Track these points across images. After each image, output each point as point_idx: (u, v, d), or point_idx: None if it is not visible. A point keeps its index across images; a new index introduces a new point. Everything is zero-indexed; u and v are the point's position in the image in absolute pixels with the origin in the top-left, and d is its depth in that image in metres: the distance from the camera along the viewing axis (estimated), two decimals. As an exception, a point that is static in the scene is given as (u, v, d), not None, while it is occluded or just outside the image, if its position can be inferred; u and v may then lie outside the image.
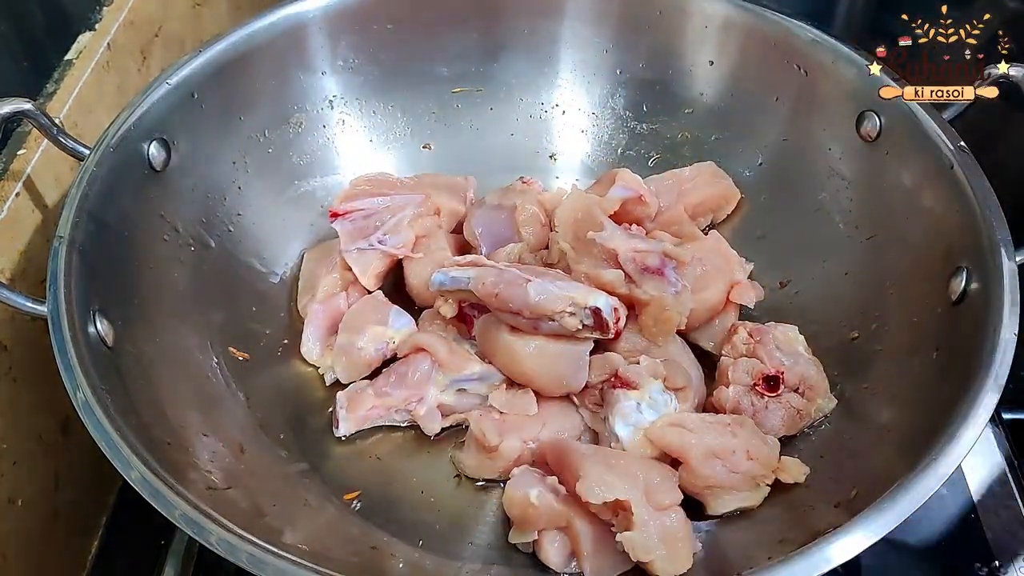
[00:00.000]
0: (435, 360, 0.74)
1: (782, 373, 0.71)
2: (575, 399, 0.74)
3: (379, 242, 0.82)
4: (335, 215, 0.82)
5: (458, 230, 0.87)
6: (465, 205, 0.88)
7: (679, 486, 0.65)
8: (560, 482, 0.65)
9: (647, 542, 0.60)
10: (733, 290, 0.79)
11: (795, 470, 0.67)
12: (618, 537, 0.60)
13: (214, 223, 0.82)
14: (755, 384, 0.71)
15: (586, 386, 0.73)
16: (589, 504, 0.61)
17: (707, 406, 0.74)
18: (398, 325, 0.79)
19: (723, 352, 0.76)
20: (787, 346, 0.73)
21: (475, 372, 0.74)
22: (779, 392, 0.71)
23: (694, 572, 0.64)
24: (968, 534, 0.75)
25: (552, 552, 0.65)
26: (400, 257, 0.82)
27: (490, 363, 0.75)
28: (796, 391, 0.71)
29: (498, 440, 0.70)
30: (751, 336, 0.74)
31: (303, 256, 0.87)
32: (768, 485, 0.67)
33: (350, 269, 0.82)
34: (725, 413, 0.71)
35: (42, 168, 0.72)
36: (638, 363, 0.71)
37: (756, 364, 0.72)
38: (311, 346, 0.80)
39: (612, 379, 0.71)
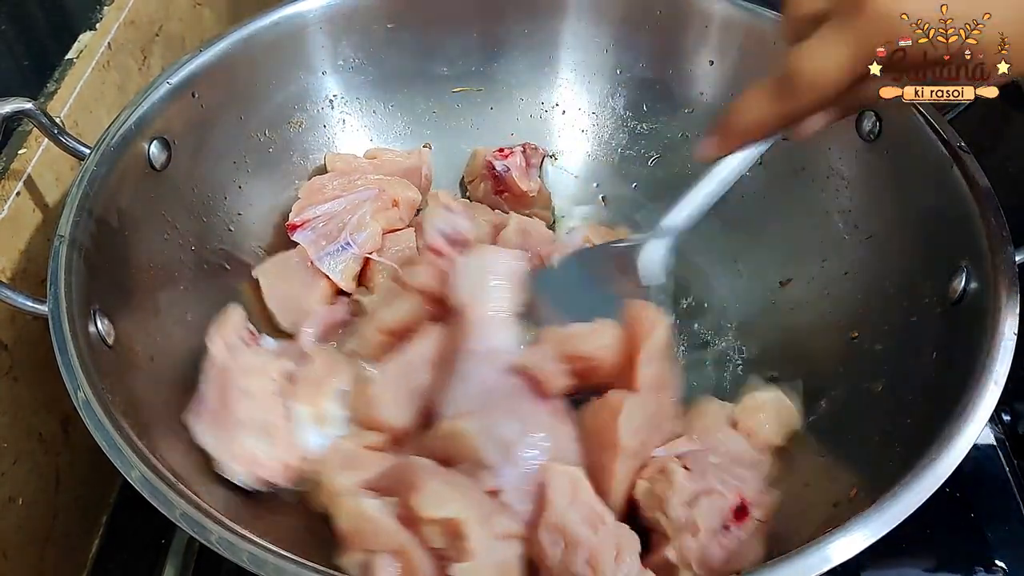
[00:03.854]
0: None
1: (743, 497, 0.60)
2: None
3: (347, 244, 0.81)
4: (294, 228, 0.82)
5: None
6: (420, 189, 0.87)
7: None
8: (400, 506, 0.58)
9: (480, 573, 0.54)
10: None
11: None
12: (450, 570, 0.54)
13: (215, 223, 0.82)
14: (725, 524, 0.59)
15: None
16: (422, 519, 0.55)
17: (657, 566, 0.59)
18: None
19: (669, 502, 0.60)
20: (724, 449, 0.63)
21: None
22: (748, 518, 0.60)
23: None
24: (968, 534, 0.75)
25: None
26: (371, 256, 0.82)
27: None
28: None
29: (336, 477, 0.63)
30: (688, 468, 0.61)
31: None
32: None
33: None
34: (690, 569, 0.58)
35: (43, 167, 0.72)
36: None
37: (717, 501, 0.60)
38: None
39: None
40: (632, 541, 0.58)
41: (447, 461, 0.62)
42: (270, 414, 0.66)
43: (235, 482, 0.65)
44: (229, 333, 0.71)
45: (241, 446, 0.64)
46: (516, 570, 0.57)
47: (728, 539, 0.59)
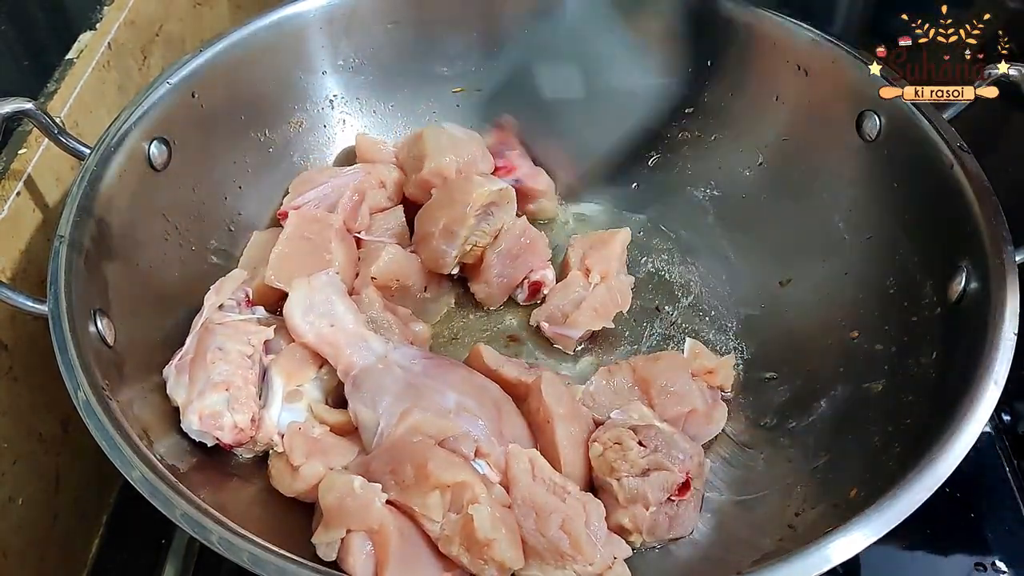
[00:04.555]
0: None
1: (688, 472, 0.65)
2: None
3: None
4: (284, 215, 0.82)
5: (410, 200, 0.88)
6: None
7: None
8: (384, 488, 0.61)
9: (494, 520, 0.58)
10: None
11: None
12: (469, 509, 0.58)
13: (215, 223, 0.82)
14: (670, 497, 0.65)
15: None
16: (438, 484, 0.59)
17: (611, 527, 0.65)
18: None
19: (621, 471, 0.65)
20: (668, 435, 0.67)
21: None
22: (689, 491, 0.65)
23: (698, 568, 0.65)
24: (968, 534, 0.75)
25: (359, 562, 0.58)
26: (363, 237, 0.84)
27: None
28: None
29: (302, 461, 0.65)
30: (643, 445, 0.66)
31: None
32: None
33: None
34: (640, 534, 0.65)
35: (43, 167, 0.72)
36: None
37: (666, 476, 0.65)
38: None
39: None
40: (598, 507, 0.63)
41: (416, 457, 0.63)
42: (237, 376, 0.68)
43: (191, 436, 0.66)
44: (225, 293, 0.72)
45: (204, 401, 0.66)
46: (515, 526, 0.60)
47: (672, 509, 0.65)
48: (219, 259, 0.81)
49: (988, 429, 0.81)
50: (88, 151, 0.70)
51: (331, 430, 0.69)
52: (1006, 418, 0.83)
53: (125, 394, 0.62)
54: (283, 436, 0.68)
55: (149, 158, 0.74)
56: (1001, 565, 0.73)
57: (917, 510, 0.52)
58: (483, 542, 0.57)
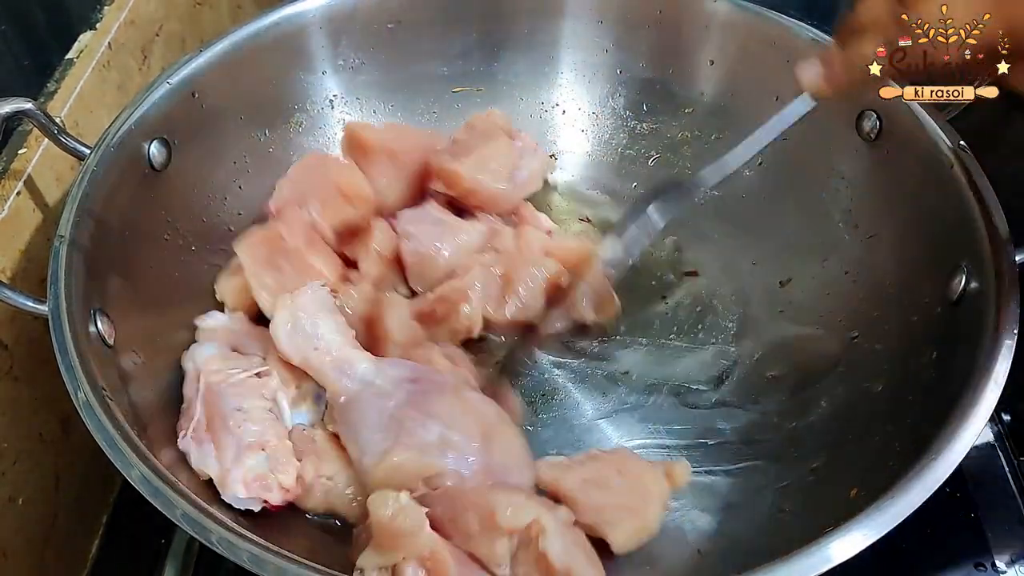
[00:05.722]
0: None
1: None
2: None
3: None
4: (274, 215, 0.78)
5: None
6: None
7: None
8: (445, 535, 0.59)
9: (567, 548, 0.57)
10: None
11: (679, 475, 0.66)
12: (541, 546, 0.57)
13: (215, 223, 0.82)
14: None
15: None
16: (509, 531, 0.58)
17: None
18: None
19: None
20: None
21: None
22: None
23: (696, 569, 0.65)
24: (968, 534, 0.75)
25: None
26: None
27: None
28: None
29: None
30: None
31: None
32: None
33: None
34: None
35: (43, 167, 0.72)
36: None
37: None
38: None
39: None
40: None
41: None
42: (269, 435, 0.65)
43: (236, 506, 0.63)
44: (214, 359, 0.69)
45: (243, 467, 0.62)
46: (586, 543, 0.61)
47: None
48: (219, 259, 0.81)
49: (988, 429, 0.81)
50: (88, 151, 0.70)
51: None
52: (1006, 418, 0.83)
53: (125, 394, 0.62)
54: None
55: (149, 158, 0.74)
56: (1001, 565, 0.73)
57: (917, 510, 0.52)
58: (562, 571, 0.56)
